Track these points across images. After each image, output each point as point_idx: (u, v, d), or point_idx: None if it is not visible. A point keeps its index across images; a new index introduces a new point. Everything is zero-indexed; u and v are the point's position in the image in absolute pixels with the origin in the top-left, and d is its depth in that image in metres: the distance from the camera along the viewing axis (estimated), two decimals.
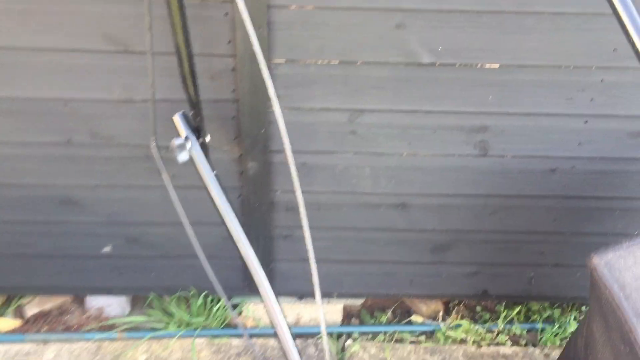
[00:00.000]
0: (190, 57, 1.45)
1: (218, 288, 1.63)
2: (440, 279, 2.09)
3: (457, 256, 2.02)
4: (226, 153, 1.79)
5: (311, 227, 1.98)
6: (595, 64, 1.62)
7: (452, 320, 2.27)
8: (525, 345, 2.20)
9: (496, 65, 1.62)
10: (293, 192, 1.90)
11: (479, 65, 1.62)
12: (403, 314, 2.36)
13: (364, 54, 1.60)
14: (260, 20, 1.52)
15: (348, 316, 2.33)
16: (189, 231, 1.58)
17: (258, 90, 1.64)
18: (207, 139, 1.61)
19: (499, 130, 1.74)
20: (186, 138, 1.57)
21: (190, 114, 1.58)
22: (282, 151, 1.79)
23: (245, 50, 1.57)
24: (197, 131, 1.60)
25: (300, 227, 1.98)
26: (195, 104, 1.55)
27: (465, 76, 1.64)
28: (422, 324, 2.27)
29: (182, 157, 1.58)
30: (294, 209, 1.92)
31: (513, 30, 1.56)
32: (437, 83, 1.65)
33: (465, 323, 2.20)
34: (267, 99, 1.67)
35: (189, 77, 1.49)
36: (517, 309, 2.24)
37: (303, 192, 1.89)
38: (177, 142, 1.57)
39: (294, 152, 1.81)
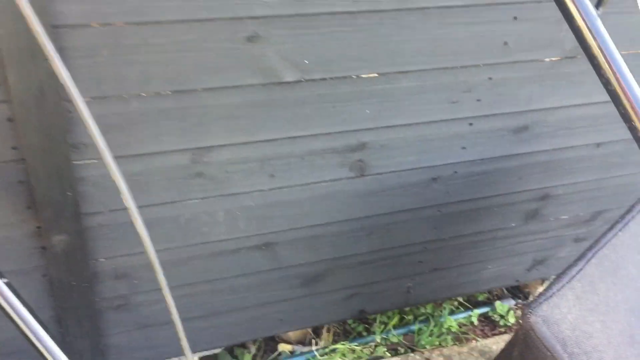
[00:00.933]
0: None
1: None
2: (313, 310, 1.78)
3: (331, 284, 1.72)
4: (16, 228, 1.24)
5: (153, 290, 1.52)
6: (484, 61, 1.36)
7: (324, 341, 1.99)
8: (405, 352, 2.01)
9: (374, 74, 1.27)
10: (122, 256, 1.42)
11: (354, 77, 1.26)
12: (268, 343, 2.03)
13: (205, 79, 1.14)
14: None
15: None
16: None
17: (53, 140, 1.11)
18: None
19: (378, 146, 1.42)
20: None
21: None
22: (100, 212, 1.29)
23: (26, 90, 1.02)
24: None
25: (137, 292, 1.52)
26: None
27: (338, 91, 1.27)
28: (292, 354, 1.96)
29: None
30: (127, 274, 1.43)
31: (393, 31, 1.21)
32: (304, 103, 1.26)
33: (340, 346, 1.94)
34: (69, 151, 1.14)
35: None
36: (390, 315, 2.04)
37: (137, 253, 1.42)
38: None
39: (118, 209, 1.32)
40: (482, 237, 1.81)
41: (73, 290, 1.38)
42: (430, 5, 1.21)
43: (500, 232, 1.82)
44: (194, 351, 1.74)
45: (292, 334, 2.00)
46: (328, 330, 2.02)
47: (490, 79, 1.39)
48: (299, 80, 1.22)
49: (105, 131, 1.09)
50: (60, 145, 1.12)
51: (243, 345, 1.97)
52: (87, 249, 1.33)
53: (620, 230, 1.32)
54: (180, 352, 1.70)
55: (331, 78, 1.24)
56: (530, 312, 1.14)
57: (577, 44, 1.28)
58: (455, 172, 1.57)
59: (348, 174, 1.44)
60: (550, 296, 1.18)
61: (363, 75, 1.27)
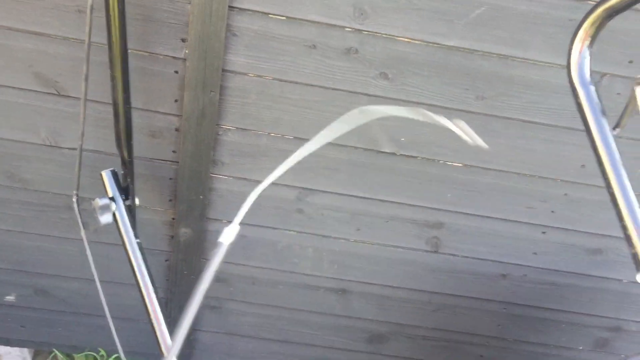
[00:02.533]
0: (127, 113, 1.30)
1: (119, 348, 1.45)
2: None
3: (394, 349, 1.89)
4: (158, 215, 1.63)
5: (243, 302, 1.82)
6: (561, 177, 1.54)
7: None
8: None
9: (459, 164, 1.52)
10: (227, 263, 1.75)
11: (441, 162, 1.52)
12: None
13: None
14: (212, 84, 1.38)
15: None
16: (99, 287, 1.41)
17: (201, 153, 1.49)
18: (136, 202, 1.45)
19: (453, 229, 1.64)
20: (111, 199, 1.41)
21: (121, 173, 1.42)
22: (220, 220, 1.64)
23: (192, 110, 1.42)
24: (126, 192, 1.43)
25: (231, 299, 1.83)
26: (127, 163, 1.39)
27: (425, 170, 1.53)
28: None
29: (105, 218, 1.41)
30: (226, 280, 1.76)
31: (480, 131, 1.45)
32: (395, 173, 1.54)
33: None
34: (210, 163, 1.52)
35: (124, 134, 1.34)
36: None
37: (239, 264, 1.75)
38: (100, 202, 1.40)
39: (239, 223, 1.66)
40: (547, 350, 1.89)
41: (184, 279, 1.73)
42: (514, 117, 1.45)
43: (567, 352, 1.89)
44: None
45: None
46: None
47: (566, 195, 1.56)
48: (394, 153, 1.51)
49: (238, 155, 1.47)
50: (205, 157, 1.50)
51: None
52: (202, 247, 1.68)
53: None
54: None
55: (421, 158, 1.51)
56: None
57: None
58: (525, 274, 1.71)
59: (424, 246, 1.67)
60: None
61: (448, 162, 1.52)
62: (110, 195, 1.41)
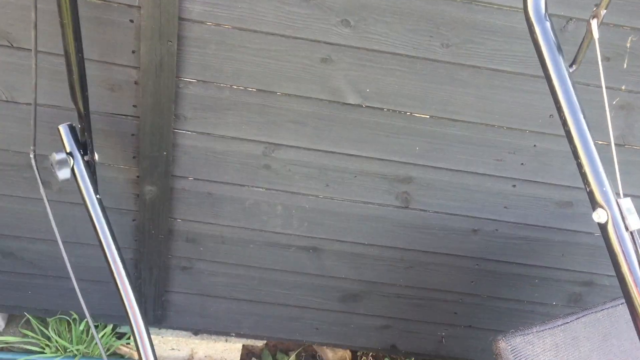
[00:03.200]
0: (80, 63, 1.26)
1: (85, 311, 1.43)
2: (348, 329, 1.95)
3: (368, 308, 1.89)
4: (122, 173, 1.60)
5: (214, 261, 1.81)
6: (530, 128, 1.52)
7: None
8: None
9: (426, 115, 1.49)
10: (195, 222, 1.72)
11: (408, 113, 1.49)
12: (308, 358, 2.21)
13: (284, 85, 1.44)
14: (169, 33, 1.34)
15: (248, 355, 2.17)
16: (62, 248, 1.38)
17: (162, 107, 1.46)
18: (95, 157, 1.42)
19: (423, 183, 1.61)
20: (69, 154, 1.38)
21: (78, 127, 1.38)
22: (186, 177, 1.61)
23: (150, 62, 1.38)
24: (84, 147, 1.40)
25: (201, 259, 1.81)
26: (83, 116, 1.35)
27: (392, 122, 1.50)
28: None
29: (62, 174, 1.38)
30: (195, 240, 1.74)
31: (447, 81, 1.44)
32: (362, 126, 1.51)
33: None
34: (172, 118, 1.48)
35: (78, 86, 1.30)
36: None
37: (207, 223, 1.72)
38: (57, 156, 1.37)
39: (200, 179, 1.64)
40: (521, 306, 1.88)
41: (152, 239, 1.71)
42: (482, 65, 1.42)
43: (541, 308, 1.88)
44: (238, 333, 1.98)
45: (332, 355, 2.17)
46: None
47: (535, 146, 1.54)
48: (360, 105, 1.48)
49: (201, 109, 1.44)
50: (167, 112, 1.47)
51: (285, 352, 2.17)
52: (169, 205, 1.65)
53: (622, 304, 1.39)
54: (228, 330, 1.95)
55: (387, 109, 1.48)
56: (502, 339, 1.26)
57: (624, 131, 1.42)
58: (496, 229, 1.70)
59: (394, 202, 1.65)
60: (527, 334, 1.28)
61: (415, 114, 1.49)
62: (68, 150, 1.38)
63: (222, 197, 1.65)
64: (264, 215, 1.68)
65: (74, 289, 1.79)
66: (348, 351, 2.19)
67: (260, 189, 1.63)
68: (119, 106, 1.48)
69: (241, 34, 1.38)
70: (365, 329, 1.94)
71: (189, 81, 1.44)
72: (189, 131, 1.52)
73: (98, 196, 1.40)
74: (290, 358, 2.15)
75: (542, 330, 1.28)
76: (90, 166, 1.41)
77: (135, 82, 1.44)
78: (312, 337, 1.98)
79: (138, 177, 1.60)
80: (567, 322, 1.31)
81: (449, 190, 1.63)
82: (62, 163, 1.37)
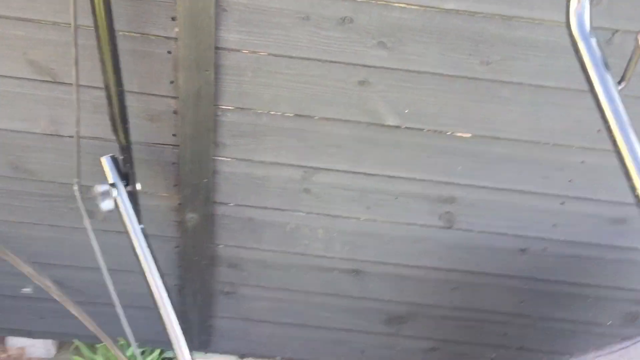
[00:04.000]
0: (120, 96, 1.28)
1: (130, 337, 1.44)
2: (394, 352, 1.91)
3: (414, 330, 1.85)
4: (164, 200, 1.61)
5: (257, 286, 1.80)
6: (577, 144, 1.46)
7: None
8: None
9: (468, 135, 1.46)
10: (237, 247, 1.72)
11: (449, 133, 1.46)
12: None
13: (321, 109, 1.43)
14: (206, 63, 1.35)
15: None
16: (106, 276, 1.40)
17: (202, 135, 1.46)
18: (138, 187, 1.43)
19: (467, 203, 1.57)
20: (112, 184, 1.39)
21: (121, 158, 1.40)
22: (227, 204, 1.61)
23: (189, 91, 1.39)
24: (126, 178, 1.42)
25: (244, 284, 1.81)
26: (125, 148, 1.37)
27: (433, 143, 1.47)
28: None
29: (106, 205, 1.40)
30: (238, 265, 1.73)
31: (488, 99, 1.40)
32: (402, 147, 1.48)
33: None
34: (212, 145, 1.49)
35: (119, 118, 1.32)
36: None
37: (249, 248, 1.72)
38: (100, 188, 1.39)
39: (241, 205, 1.64)
40: (574, 327, 1.81)
41: (195, 265, 1.72)
42: (524, 82, 1.38)
43: (596, 328, 1.81)
44: (283, 356, 1.97)
45: None
46: None
47: (582, 162, 1.48)
48: (399, 126, 1.45)
49: (239, 136, 1.44)
50: (206, 140, 1.47)
51: None
52: (211, 232, 1.65)
53: None
54: (272, 354, 1.94)
55: (427, 130, 1.46)
56: None
57: None
58: (545, 248, 1.64)
59: (437, 222, 1.61)
60: None
61: (457, 134, 1.46)
62: (111, 181, 1.40)
63: (263, 222, 1.64)
64: (305, 239, 1.67)
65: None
66: None
67: (301, 213, 1.62)
68: (159, 136, 1.49)
69: (277, 60, 1.37)
70: (411, 351, 1.90)
71: (227, 109, 1.44)
72: (228, 158, 1.53)
73: (141, 225, 1.41)
74: None
75: (599, 357, 1.23)
76: (133, 196, 1.42)
77: (175, 112, 1.45)
78: (357, 359, 1.95)
79: (180, 204, 1.61)
80: (625, 347, 1.25)
81: (494, 210, 1.58)
82: (105, 194, 1.38)
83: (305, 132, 1.47)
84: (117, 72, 1.24)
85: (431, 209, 1.59)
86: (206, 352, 1.97)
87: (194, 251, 1.69)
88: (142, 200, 1.54)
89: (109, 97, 1.28)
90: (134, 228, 1.40)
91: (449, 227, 1.62)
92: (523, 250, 1.65)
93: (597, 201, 1.55)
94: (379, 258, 1.69)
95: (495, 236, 1.63)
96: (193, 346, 1.90)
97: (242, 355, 1.99)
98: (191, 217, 1.61)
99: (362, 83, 1.39)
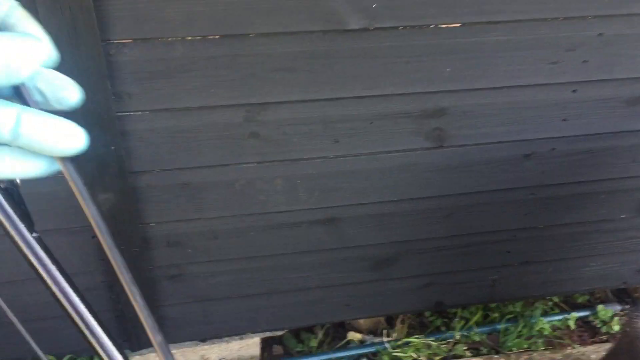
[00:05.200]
0: None
1: (38, 351, 1.05)
2: (383, 298, 1.61)
3: (404, 270, 1.54)
4: (60, 183, 1.16)
5: (208, 262, 1.42)
6: (592, 13, 1.12)
7: (397, 333, 1.82)
8: (488, 353, 1.80)
9: (456, 24, 1.08)
10: (174, 221, 1.32)
11: (432, 26, 1.08)
12: (336, 329, 1.88)
13: (257, 22, 1.01)
14: None
15: (268, 344, 1.83)
16: None
17: (94, 88, 1.02)
18: (17, 180, 0.98)
19: (458, 113, 1.23)
20: None
21: None
22: (149, 171, 1.19)
23: (58, 28, 0.93)
24: None
25: (192, 262, 1.42)
26: None
27: (412, 43, 1.09)
28: (362, 343, 1.81)
29: None
30: (180, 242, 1.34)
31: None
32: (373, 56, 1.10)
33: (415, 340, 1.76)
34: (111, 98, 1.05)
35: None
36: (473, 310, 1.83)
37: (190, 220, 1.32)
38: None
39: (169, 169, 1.22)
40: (584, 228, 1.56)
41: (122, 256, 1.30)
42: None
43: (607, 225, 1.57)
44: (254, 331, 1.64)
45: (363, 322, 1.85)
46: (402, 322, 1.85)
47: (600, 35, 1.15)
48: (366, 28, 1.06)
49: (149, 78, 0.99)
50: (101, 92, 1.03)
51: (310, 330, 1.84)
52: (135, 211, 1.24)
53: None
54: (241, 331, 1.60)
55: (404, 27, 1.07)
56: (639, 318, 0.93)
57: None
58: (554, 148, 1.34)
59: (424, 143, 1.27)
60: None
61: (442, 25, 1.08)
62: None
63: (202, 185, 1.24)
64: (260, 194, 1.29)
65: (43, 329, 1.41)
66: None
67: (251, 164, 1.23)
68: None
69: None
70: (403, 292, 1.61)
71: (123, 42, 0.99)
72: (138, 111, 1.09)
73: (35, 234, 0.98)
74: (318, 336, 1.82)
75: None
76: (12, 195, 0.97)
77: None
78: (343, 314, 1.65)
79: (84, 184, 1.17)
80: None
81: (492, 115, 1.25)
82: None
83: (239, 57, 1.05)
84: None
85: (416, 129, 1.23)
86: None
87: (118, 239, 1.27)
88: (29, 189, 1.09)
89: None
90: (25, 241, 0.97)
91: (439, 147, 1.28)
92: (527, 157, 1.35)
93: (616, 81, 1.24)
94: (355, 200, 1.34)
95: (494, 146, 1.31)
96: (142, 346, 1.53)
97: (203, 339, 1.64)
98: (104, 198, 1.18)
99: None
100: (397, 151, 1.27)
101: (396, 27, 1.07)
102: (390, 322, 1.87)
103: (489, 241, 1.53)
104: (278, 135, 1.19)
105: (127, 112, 1.09)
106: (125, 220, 1.25)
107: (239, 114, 1.13)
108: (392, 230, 1.44)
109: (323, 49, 1.07)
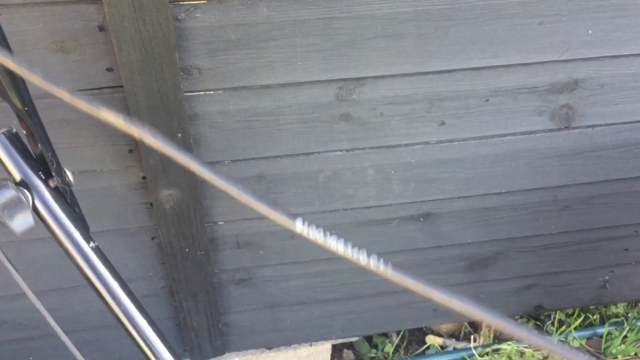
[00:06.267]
0: None
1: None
2: (477, 301, 1.39)
3: (503, 272, 1.33)
4: (117, 177, 0.98)
5: (281, 264, 1.22)
6: None
7: (484, 338, 1.61)
8: None
9: None
10: (245, 219, 1.13)
11: None
12: (413, 332, 1.68)
13: None
14: None
15: (338, 349, 1.65)
16: (33, 299, 0.80)
17: (159, 61, 0.82)
18: (68, 176, 0.79)
19: (596, 86, 1.00)
20: (22, 185, 0.76)
21: (23, 132, 0.75)
22: (221, 162, 0.99)
23: None
24: (43, 164, 0.77)
25: (263, 265, 1.23)
26: (26, 111, 0.72)
27: None
28: (443, 349, 1.60)
29: (21, 224, 0.75)
30: (251, 243, 1.15)
31: None
32: (498, 16, 0.87)
33: (506, 346, 1.55)
34: (179, 75, 0.85)
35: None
36: (570, 312, 1.62)
37: (264, 217, 1.13)
38: (2, 197, 0.74)
39: (243, 160, 1.02)
40: None
41: (187, 259, 1.12)
42: None
43: None
44: (327, 338, 1.45)
45: (444, 325, 1.65)
46: (488, 324, 1.64)
47: None
48: None
49: (223, 50, 0.79)
50: (168, 67, 0.83)
51: (384, 334, 1.64)
52: (202, 208, 1.05)
53: None
54: (314, 338, 1.42)
55: None
56: None
57: None
58: None
59: (547, 124, 1.04)
60: None
61: None
62: (18, 178, 0.75)
63: (280, 177, 1.04)
64: (347, 188, 1.08)
65: (94, 340, 1.25)
66: None
67: (339, 153, 1.02)
68: (83, 75, 0.84)
69: None
70: (500, 295, 1.40)
71: (195, 4, 0.79)
72: (210, 90, 0.89)
73: (92, 244, 0.79)
74: (394, 340, 1.62)
75: None
76: (64, 194, 0.78)
77: (101, 28, 0.79)
78: (429, 320, 1.44)
79: (144, 178, 0.99)
80: None
81: (633, 88, 1.01)
82: (14, 205, 0.74)
83: (334, 21, 0.84)
84: None
85: (540, 106, 1.01)
86: (223, 355, 1.43)
87: (182, 240, 1.08)
88: (81, 186, 0.92)
89: None
90: (74, 244, 0.78)
91: (564, 128, 1.05)
92: None
93: None
94: (457, 192, 1.13)
95: (630, 127, 1.08)
96: (204, 356, 1.35)
97: (269, 347, 1.45)
98: (168, 195, 0.99)
99: None
100: (513, 134, 1.05)
101: None
102: (474, 324, 1.66)
103: (606, 238, 1.30)
104: (374, 117, 0.97)
105: (197, 91, 0.89)
106: (191, 219, 1.05)
107: (330, 92, 0.92)
108: (496, 227, 1.22)
109: (439, 8, 0.85)
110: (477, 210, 1.18)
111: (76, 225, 0.77)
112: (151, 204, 1.03)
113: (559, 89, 0.99)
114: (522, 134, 1.05)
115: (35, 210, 0.76)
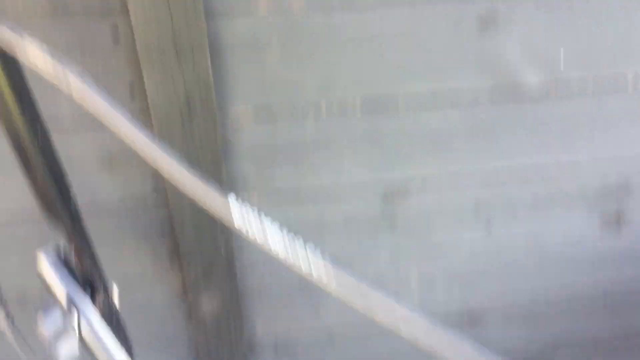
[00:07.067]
0: (44, 137, 0.60)
1: None
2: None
3: None
4: (157, 286, 0.94)
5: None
6: None
7: None
8: None
9: None
10: (285, 325, 1.07)
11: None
12: None
13: (408, 80, 0.79)
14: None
15: None
16: None
17: (210, 166, 0.80)
18: (114, 291, 0.75)
19: None
20: (69, 304, 0.70)
21: (68, 245, 0.71)
22: (259, 270, 0.96)
23: (168, 99, 0.72)
24: (87, 280, 0.73)
25: None
26: (70, 224, 0.69)
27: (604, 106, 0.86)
28: None
29: (67, 351, 0.69)
30: (286, 345, 1.09)
31: None
32: (559, 117, 0.86)
33: None
34: (223, 187, 0.83)
35: (47, 176, 0.64)
36: None
37: (304, 324, 1.08)
38: (49, 320, 0.69)
39: (286, 270, 0.98)
40: None
41: None
42: None
43: None
44: None
45: None
46: None
47: None
48: (546, 94, 0.83)
49: (269, 156, 0.78)
50: (214, 166, 0.81)
51: None
52: (241, 314, 1.00)
53: None
54: None
55: (594, 77, 0.84)
56: None
57: None
58: None
59: (596, 225, 1.01)
60: None
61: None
62: (64, 296, 0.70)
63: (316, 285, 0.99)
64: (391, 287, 1.04)
65: None
66: None
67: (382, 256, 0.98)
68: (128, 190, 0.82)
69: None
70: None
71: (241, 113, 0.78)
72: (254, 195, 0.87)
73: None
74: None
75: None
76: (110, 311, 0.73)
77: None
78: None
79: (184, 287, 0.95)
80: None
81: None
82: (60, 331, 0.69)
83: (380, 125, 0.83)
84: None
85: (591, 205, 0.98)
86: None
87: (221, 348, 1.03)
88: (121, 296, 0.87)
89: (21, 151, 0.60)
90: None
91: (615, 223, 1.02)
92: None
93: None
94: (501, 295, 1.09)
95: None
96: None
97: None
98: (209, 299, 0.95)
99: (483, 28, 0.76)
100: (562, 234, 1.01)
101: (584, 78, 0.84)
102: None
103: None
104: (417, 216, 0.95)
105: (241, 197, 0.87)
106: (230, 326, 1.00)
107: (375, 191, 0.90)
108: (538, 330, 1.16)
109: (496, 97, 0.84)
110: (524, 314, 1.12)
111: (120, 339, 0.72)
112: (190, 315, 0.99)
113: (611, 190, 0.96)
114: (571, 234, 1.02)
115: (79, 330, 0.71)
